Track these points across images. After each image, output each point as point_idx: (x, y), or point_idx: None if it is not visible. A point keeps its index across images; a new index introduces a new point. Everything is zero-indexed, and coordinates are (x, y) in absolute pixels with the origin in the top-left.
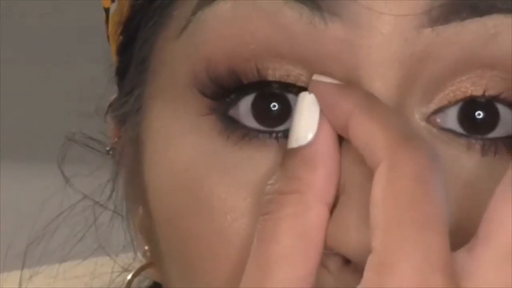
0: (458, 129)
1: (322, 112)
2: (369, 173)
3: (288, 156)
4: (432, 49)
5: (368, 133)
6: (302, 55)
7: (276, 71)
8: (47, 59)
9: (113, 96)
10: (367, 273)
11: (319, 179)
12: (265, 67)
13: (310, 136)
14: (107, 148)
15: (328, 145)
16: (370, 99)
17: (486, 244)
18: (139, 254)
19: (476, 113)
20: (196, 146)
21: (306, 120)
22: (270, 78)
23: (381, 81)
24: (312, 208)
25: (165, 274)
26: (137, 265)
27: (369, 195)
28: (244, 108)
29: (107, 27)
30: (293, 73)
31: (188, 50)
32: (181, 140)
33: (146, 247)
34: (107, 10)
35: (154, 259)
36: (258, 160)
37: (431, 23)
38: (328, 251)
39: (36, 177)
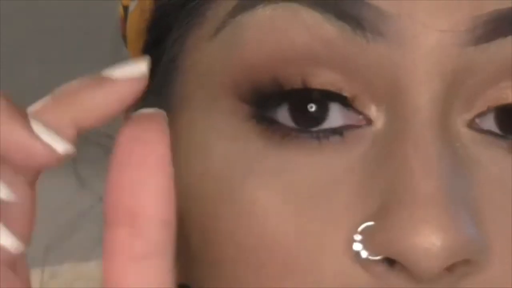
0: (496, 129)
1: None
2: (417, 174)
3: None
4: (474, 64)
5: None
6: (343, 65)
7: (317, 78)
8: (48, 57)
9: None
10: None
11: None
12: (306, 73)
13: None
14: None
15: None
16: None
17: None
18: None
19: None
20: (232, 149)
21: None
22: (314, 86)
23: (426, 90)
24: None
25: (194, 276)
26: None
27: (419, 198)
28: (282, 110)
29: (124, 25)
30: (333, 81)
31: (224, 52)
32: (215, 143)
33: None
34: (125, 8)
35: (177, 260)
36: (299, 161)
37: (475, 41)
38: (376, 255)
39: (55, 178)
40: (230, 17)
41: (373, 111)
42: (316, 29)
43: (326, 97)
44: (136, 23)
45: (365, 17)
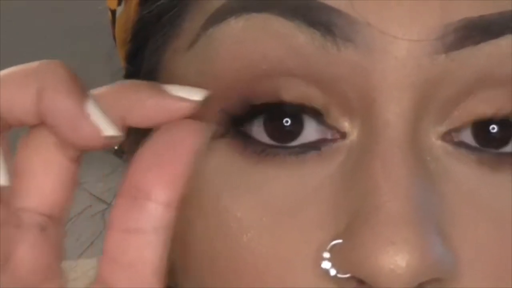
0: (473, 142)
1: None
2: (383, 194)
3: None
4: (446, 73)
5: None
6: (315, 76)
7: (290, 91)
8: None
9: None
10: None
11: None
12: (279, 86)
13: None
14: (115, 148)
15: None
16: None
17: None
18: None
19: (491, 127)
20: (209, 164)
21: None
22: (285, 98)
23: (396, 104)
24: None
25: (177, 282)
26: None
27: (385, 217)
28: (257, 125)
29: (113, 28)
30: (306, 94)
31: (197, 66)
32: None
33: None
34: (113, 12)
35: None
36: (273, 176)
37: (445, 49)
38: (344, 274)
39: None
40: (203, 30)
41: (346, 125)
42: (288, 38)
43: (299, 111)
44: (121, 31)
45: (335, 23)
